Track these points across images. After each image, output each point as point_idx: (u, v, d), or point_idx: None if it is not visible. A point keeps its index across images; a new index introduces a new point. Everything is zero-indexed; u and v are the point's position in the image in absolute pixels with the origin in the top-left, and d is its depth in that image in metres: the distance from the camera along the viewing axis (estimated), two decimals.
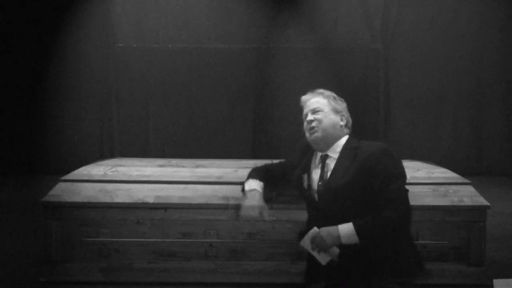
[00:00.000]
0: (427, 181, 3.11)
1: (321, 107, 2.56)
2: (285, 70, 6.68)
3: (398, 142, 6.50)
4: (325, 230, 2.36)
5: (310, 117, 2.55)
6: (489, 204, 2.99)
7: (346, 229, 2.34)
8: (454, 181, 3.15)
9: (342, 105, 2.62)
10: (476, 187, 3.13)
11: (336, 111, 2.58)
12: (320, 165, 2.53)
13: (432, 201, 2.97)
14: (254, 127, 6.78)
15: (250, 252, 3.02)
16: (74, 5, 6.61)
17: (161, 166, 3.34)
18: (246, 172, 3.21)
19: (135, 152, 6.43)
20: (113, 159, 3.64)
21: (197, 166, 3.33)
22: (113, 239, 3.02)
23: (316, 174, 2.54)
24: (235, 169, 3.28)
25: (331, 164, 2.51)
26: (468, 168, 6.28)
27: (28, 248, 3.64)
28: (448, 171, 3.27)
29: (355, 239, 2.32)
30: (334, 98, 2.62)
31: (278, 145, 6.59)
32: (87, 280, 3.00)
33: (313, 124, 2.53)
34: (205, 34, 6.70)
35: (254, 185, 2.62)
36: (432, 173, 3.21)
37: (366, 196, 2.39)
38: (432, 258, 2.92)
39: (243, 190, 2.65)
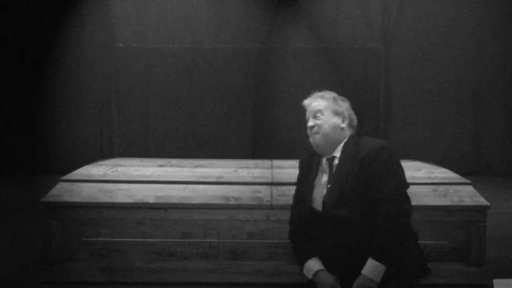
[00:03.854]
0: (427, 181, 3.10)
1: (322, 111, 2.56)
2: (285, 70, 6.68)
3: (398, 142, 6.50)
4: (358, 285, 2.28)
5: (311, 122, 2.56)
6: (489, 204, 2.99)
7: (371, 268, 2.28)
8: (454, 181, 3.15)
9: (343, 106, 2.59)
10: (476, 187, 3.13)
11: (337, 113, 2.57)
12: (328, 169, 2.51)
13: (432, 201, 2.96)
14: (254, 127, 6.78)
15: (250, 252, 3.01)
16: (74, 5, 6.61)
17: (161, 166, 3.34)
18: (246, 172, 3.23)
19: (135, 152, 6.42)
20: (113, 159, 3.63)
21: (197, 166, 3.33)
22: (113, 239, 3.01)
23: (323, 180, 2.52)
24: (235, 169, 3.28)
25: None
26: (468, 168, 6.29)
27: (28, 248, 3.64)
28: (448, 171, 3.27)
29: (382, 268, 2.28)
30: (335, 99, 2.60)
31: (278, 145, 6.59)
32: (87, 280, 2.99)
33: (314, 130, 2.54)
34: (205, 34, 6.70)
35: (316, 266, 2.44)
36: (432, 173, 3.21)
37: (368, 195, 2.37)
38: (432, 258, 2.91)
39: (306, 271, 2.47)
